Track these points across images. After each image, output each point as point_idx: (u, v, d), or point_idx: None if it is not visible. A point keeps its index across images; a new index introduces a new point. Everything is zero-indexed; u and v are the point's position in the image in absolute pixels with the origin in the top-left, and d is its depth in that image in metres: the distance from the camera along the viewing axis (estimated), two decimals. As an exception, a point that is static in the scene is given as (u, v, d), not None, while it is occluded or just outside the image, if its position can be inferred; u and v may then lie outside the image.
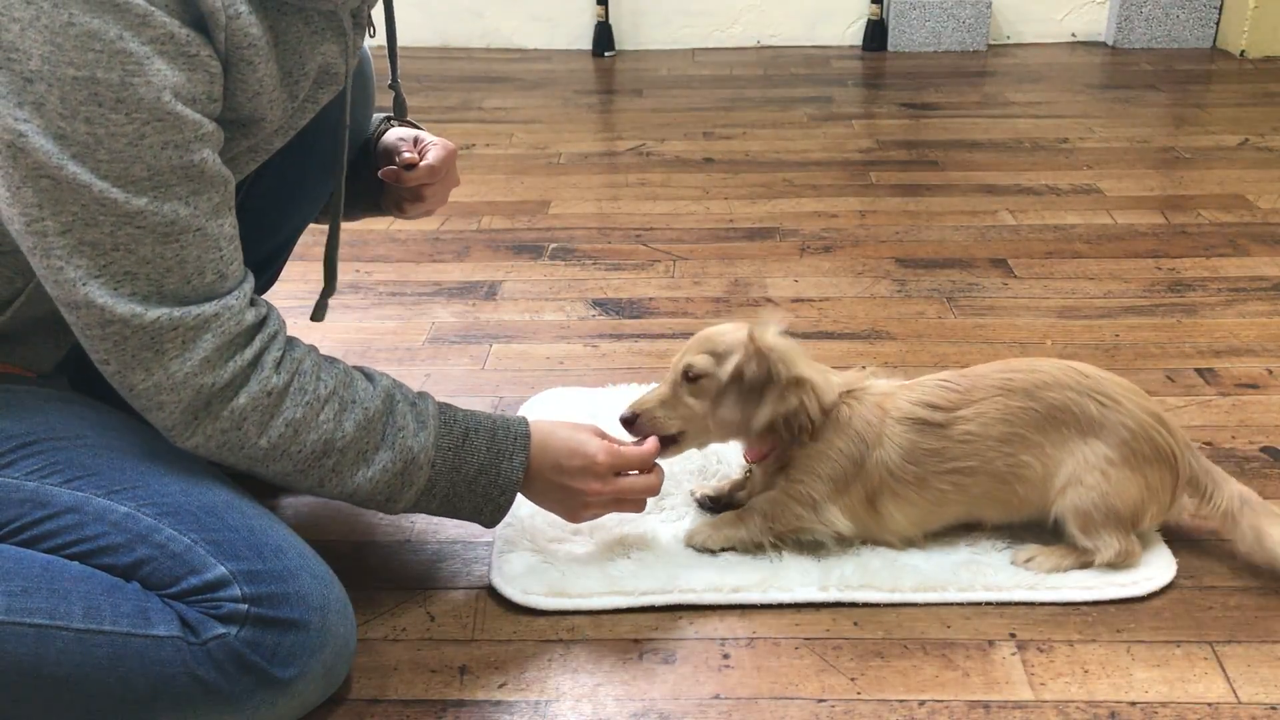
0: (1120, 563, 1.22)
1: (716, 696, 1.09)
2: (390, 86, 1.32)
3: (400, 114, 1.34)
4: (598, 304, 1.94)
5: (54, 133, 0.87)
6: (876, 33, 3.76)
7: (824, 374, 1.25)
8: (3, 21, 0.85)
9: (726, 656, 1.14)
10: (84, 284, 0.92)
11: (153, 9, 0.88)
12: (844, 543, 1.26)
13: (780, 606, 1.20)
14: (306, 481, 1.06)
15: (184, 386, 0.96)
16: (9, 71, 0.86)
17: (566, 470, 1.16)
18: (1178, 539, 1.29)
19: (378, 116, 1.40)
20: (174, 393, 0.96)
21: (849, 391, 1.25)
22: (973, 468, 1.23)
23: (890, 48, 3.77)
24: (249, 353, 0.99)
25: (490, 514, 1.16)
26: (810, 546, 1.27)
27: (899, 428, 1.23)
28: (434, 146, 1.33)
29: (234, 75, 0.97)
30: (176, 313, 0.95)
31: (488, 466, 1.13)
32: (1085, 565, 1.23)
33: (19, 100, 0.86)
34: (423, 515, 1.36)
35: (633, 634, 1.17)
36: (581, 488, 1.17)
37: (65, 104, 0.87)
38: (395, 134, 1.35)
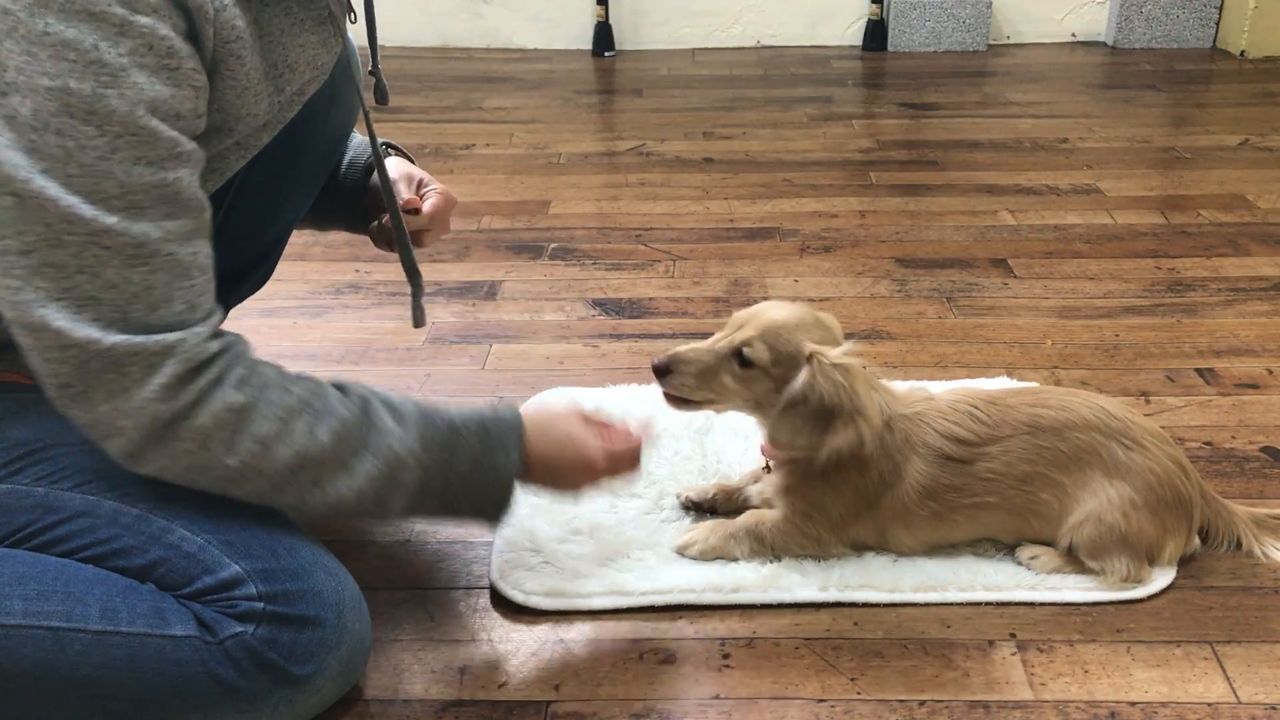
0: (1128, 582, 1.21)
1: (716, 696, 1.09)
2: (371, 73, 1.31)
3: (382, 100, 1.34)
4: (598, 304, 1.94)
5: (25, 146, 0.85)
6: (876, 33, 3.76)
7: (879, 401, 1.20)
8: None
9: (726, 656, 1.14)
10: (42, 306, 0.88)
11: (134, 16, 0.86)
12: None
13: (780, 606, 1.20)
14: (287, 498, 0.99)
15: (141, 413, 0.91)
16: None
17: (561, 469, 1.14)
18: (1178, 539, 1.29)
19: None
20: (131, 418, 0.91)
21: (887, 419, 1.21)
22: (990, 503, 1.22)
23: (890, 48, 3.77)
24: (210, 374, 0.94)
25: (492, 511, 1.12)
26: (810, 546, 1.27)
27: (921, 463, 1.21)
28: (434, 193, 1.34)
29: (222, 71, 0.96)
30: (138, 339, 0.90)
31: (482, 461, 1.08)
32: (1087, 572, 1.23)
33: None
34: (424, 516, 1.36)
35: (633, 634, 1.17)
36: (576, 485, 1.16)
37: (37, 116, 0.85)
38: (394, 169, 1.35)
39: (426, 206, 1.32)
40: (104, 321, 0.89)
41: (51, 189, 0.85)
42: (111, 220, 0.87)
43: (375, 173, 1.35)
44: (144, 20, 0.87)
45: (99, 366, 0.89)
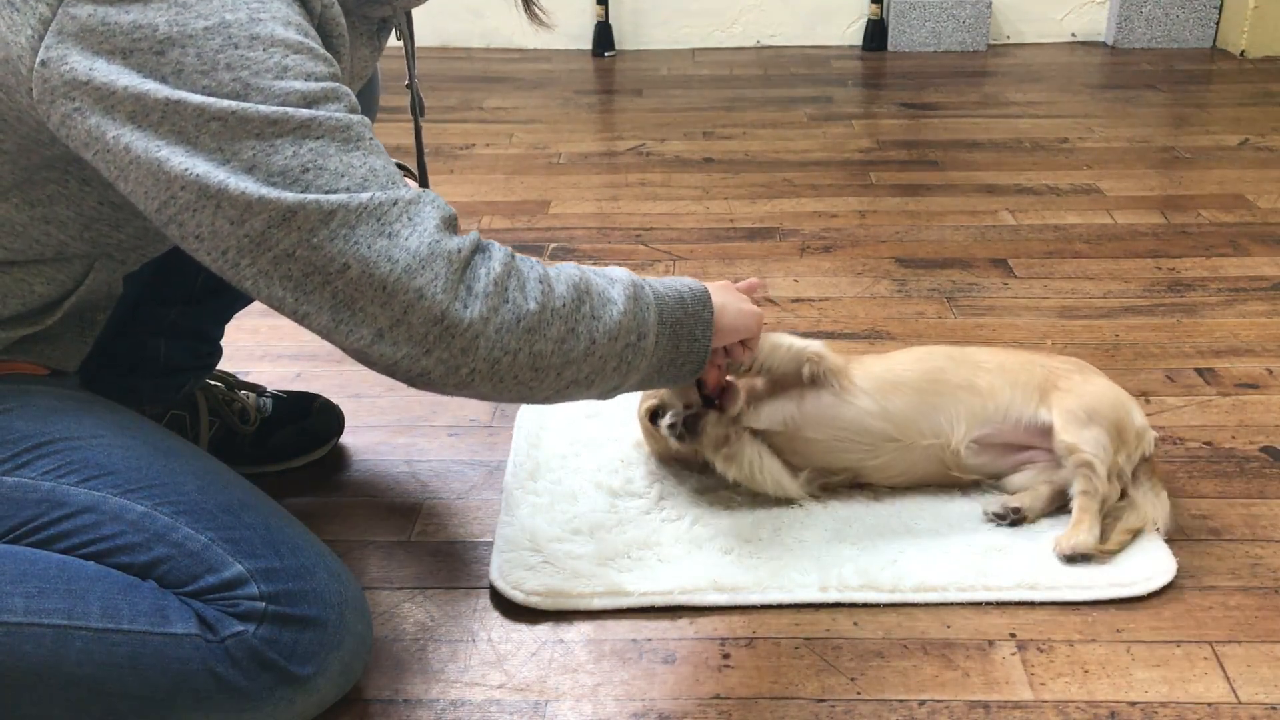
0: (1111, 468, 1.29)
1: (716, 696, 1.09)
2: (406, 86, 1.33)
3: (418, 112, 1.36)
4: (598, 304, 1.94)
5: (201, 89, 0.85)
6: (876, 33, 3.76)
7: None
8: (124, 4, 0.85)
9: (726, 656, 1.14)
10: (285, 195, 0.87)
11: None
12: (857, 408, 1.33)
13: (780, 606, 1.20)
14: (581, 342, 0.98)
15: (432, 257, 0.90)
16: (140, 53, 0.85)
17: (732, 330, 1.18)
18: (1178, 539, 1.29)
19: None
20: (427, 268, 0.90)
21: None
22: (908, 379, 1.35)
23: (890, 48, 3.77)
24: (472, 235, 0.96)
25: (701, 335, 1.11)
26: (810, 546, 1.27)
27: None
28: None
29: None
30: (389, 191, 0.90)
31: (680, 290, 1.10)
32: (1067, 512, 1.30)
33: (159, 77, 0.85)
34: (423, 514, 1.36)
35: (633, 634, 1.17)
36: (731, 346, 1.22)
37: (202, 58, 0.85)
38: None
39: None
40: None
41: (248, 108, 0.86)
42: (310, 111, 0.88)
43: None
44: None
45: (366, 229, 0.89)
